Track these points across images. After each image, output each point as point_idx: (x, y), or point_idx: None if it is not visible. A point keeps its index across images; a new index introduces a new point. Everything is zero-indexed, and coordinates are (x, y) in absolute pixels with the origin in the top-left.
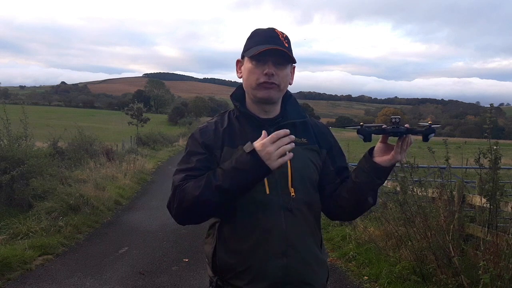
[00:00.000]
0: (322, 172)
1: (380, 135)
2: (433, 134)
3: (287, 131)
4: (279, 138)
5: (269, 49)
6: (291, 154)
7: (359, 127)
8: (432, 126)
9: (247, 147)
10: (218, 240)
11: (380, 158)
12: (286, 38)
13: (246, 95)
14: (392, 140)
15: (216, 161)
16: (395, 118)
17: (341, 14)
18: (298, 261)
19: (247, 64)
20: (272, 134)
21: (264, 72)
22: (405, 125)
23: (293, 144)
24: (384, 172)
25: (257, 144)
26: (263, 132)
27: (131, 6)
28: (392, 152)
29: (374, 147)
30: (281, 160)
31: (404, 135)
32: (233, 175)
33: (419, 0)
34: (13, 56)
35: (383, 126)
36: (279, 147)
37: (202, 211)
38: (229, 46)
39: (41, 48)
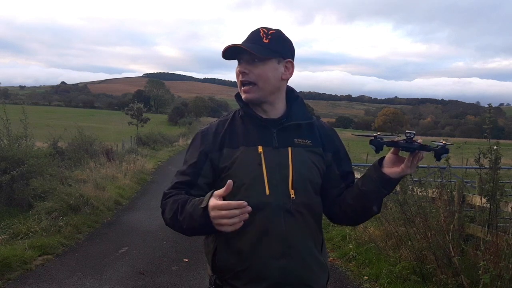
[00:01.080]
0: (327, 176)
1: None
2: (446, 154)
3: (242, 203)
4: (230, 209)
5: (230, 48)
6: (241, 223)
7: (373, 137)
8: (446, 146)
9: (204, 201)
10: (218, 239)
11: (390, 169)
12: (270, 35)
13: None
14: (403, 152)
15: (214, 164)
16: (410, 133)
17: (342, 14)
18: (297, 262)
19: None
20: (226, 202)
21: (237, 70)
22: (419, 141)
23: (246, 215)
24: (391, 183)
25: (211, 202)
26: (228, 182)
27: (131, 6)
28: (402, 165)
29: (384, 157)
30: (224, 228)
31: (417, 151)
32: (189, 220)
33: (419, 0)
34: (13, 56)
35: (396, 139)
36: (228, 217)
37: (181, 232)
38: None
39: (41, 48)
